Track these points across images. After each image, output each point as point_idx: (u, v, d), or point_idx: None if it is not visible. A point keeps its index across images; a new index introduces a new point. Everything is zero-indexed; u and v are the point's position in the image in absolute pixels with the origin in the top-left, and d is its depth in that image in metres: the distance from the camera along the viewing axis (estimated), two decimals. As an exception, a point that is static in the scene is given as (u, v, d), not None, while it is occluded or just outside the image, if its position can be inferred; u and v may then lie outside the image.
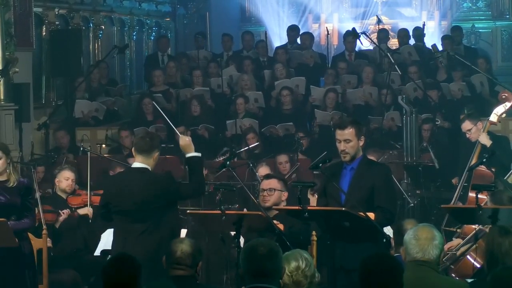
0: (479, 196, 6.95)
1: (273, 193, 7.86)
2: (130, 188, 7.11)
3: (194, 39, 15.94)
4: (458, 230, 8.52)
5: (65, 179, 9.46)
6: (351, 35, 14.65)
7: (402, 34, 15.46)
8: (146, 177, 7.13)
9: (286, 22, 17.39)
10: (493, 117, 9.50)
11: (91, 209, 9.32)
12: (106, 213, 7.36)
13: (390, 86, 12.95)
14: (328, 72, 13.90)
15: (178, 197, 7.35)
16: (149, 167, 7.18)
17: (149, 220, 7.07)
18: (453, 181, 10.27)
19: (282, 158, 10.95)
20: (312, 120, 12.88)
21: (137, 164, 7.21)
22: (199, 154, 7.25)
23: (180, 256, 5.94)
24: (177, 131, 7.81)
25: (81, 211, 9.35)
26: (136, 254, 6.72)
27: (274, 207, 7.72)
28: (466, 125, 9.88)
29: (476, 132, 9.70)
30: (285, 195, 7.92)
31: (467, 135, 9.88)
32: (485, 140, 9.48)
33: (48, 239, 8.58)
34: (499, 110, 9.49)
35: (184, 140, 7.24)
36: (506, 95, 9.75)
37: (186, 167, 7.59)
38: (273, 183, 7.94)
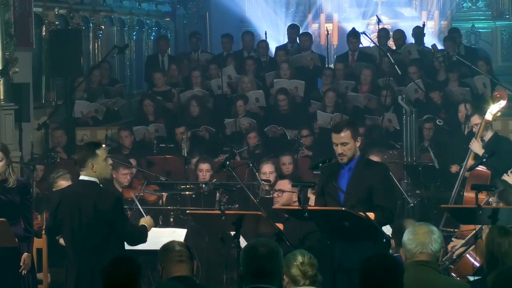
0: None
1: (282, 194, 7.86)
2: (78, 200, 6.95)
3: (189, 39, 15.96)
4: (456, 230, 8.54)
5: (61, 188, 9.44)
6: (352, 35, 14.67)
7: (398, 36, 15.45)
8: (92, 190, 6.96)
9: (286, 22, 17.40)
10: (488, 116, 9.53)
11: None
12: (54, 227, 7.18)
13: (390, 86, 12.95)
14: (326, 73, 13.87)
15: (117, 225, 6.95)
16: (95, 180, 6.99)
17: (98, 236, 6.88)
18: (453, 169, 10.27)
19: (286, 159, 10.93)
20: (313, 122, 12.87)
21: (83, 177, 7.04)
22: (148, 232, 7.25)
23: (180, 249, 5.95)
24: (144, 214, 7.90)
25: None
26: (87, 271, 6.77)
27: (274, 207, 7.74)
28: (475, 119, 9.89)
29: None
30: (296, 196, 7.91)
31: (474, 129, 9.88)
32: (477, 148, 9.46)
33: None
34: (494, 109, 9.53)
35: (149, 220, 7.40)
36: (500, 94, 9.78)
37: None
38: (284, 184, 7.95)
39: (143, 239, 7.19)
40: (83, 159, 6.99)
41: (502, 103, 9.55)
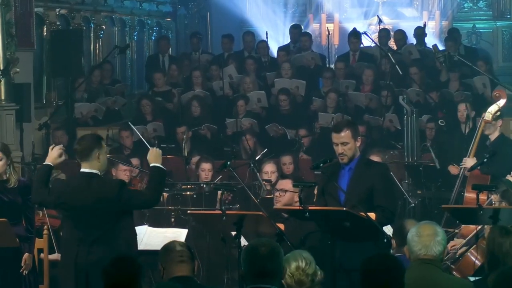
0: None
1: (284, 194, 7.85)
2: (80, 193, 6.97)
3: (189, 40, 15.96)
4: (456, 231, 8.53)
5: None
6: (353, 35, 14.66)
7: (399, 36, 15.43)
8: (94, 182, 6.98)
9: (287, 22, 17.40)
10: (487, 116, 9.49)
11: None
12: (49, 203, 7.25)
13: (391, 87, 12.95)
14: (326, 75, 13.81)
15: (130, 204, 7.02)
16: (97, 171, 7.02)
17: (101, 227, 6.90)
18: (452, 170, 10.24)
19: (287, 159, 10.92)
20: (315, 122, 12.87)
21: (84, 169, 7.05)
22: (162, 167, 7.14)
23: (181, 249, 5.95)
24: (148, 146, 7.71)
25: (52, 257, 8.86)
26: (89, 262, 6.77)
27: (275, 207, 7.74)
28: (488, 115, 9.76)
29: (492, 128, 9.62)
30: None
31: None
32: (471, 164, 9.38)
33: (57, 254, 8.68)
34: (493, 108, 9.48)
35: (154, 151, 7.19)
36: (499, 93, 9.75)
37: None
38: (286, 184, 7.94)
39: (162, 187, 7.21)
40: (90, 149, 6.99)
41: (501, 102, 9.52)
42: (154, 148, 7.30)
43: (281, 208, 7.72)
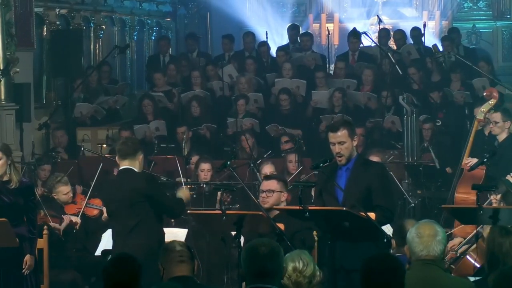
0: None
1: (271, 194, 7.87)
2: (117, 188, 7.59)
3: (185, 41, 15.95)
4: (451, 231, 8.51)
5: (63, 194, 9.59)
6: (353, 35, 14.66)
7: (398, 36, 15.44)
8: (131, 176, 7.53)
9: (287, 22, 17.39)
10: (480, 115, 9.49)
11: (79, 219, 9.54)
12: None
13: (391, 87, 12.95)
14: (319, 75, 13.72)
15: (160, 203, 7.56)
16: (135, 169, 7.57)
17: (134, 218, 7.44)
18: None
19: (292, 157, 10.92)
20: (314, 121, 12.84)
21: (124, 166, 7.64)
22: (184, 202, 7.96)
23: (181, 249, 5.96)
24: (183, 184, 8.86)
25: (73, 219, 9.48)
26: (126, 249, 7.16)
27: (275, 207, 7.73)
28: (497, 116, 9.61)
29: (499, 129, 9.59)
30: (284, 195, 7.91)
31: (490, 126, 9.77)
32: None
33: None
34: (485, 107, 9.49)
35: (186, 192, 8.14)
36: (490, 92, 9.74)
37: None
38: (272, 184, 7.93)
39: (183, 211, 7.91)
40: (135, 150, 7.62)
41: (492, 101, 9.51)
42: (185, 188, 8.36)
43: (282, 208, 7.70)
